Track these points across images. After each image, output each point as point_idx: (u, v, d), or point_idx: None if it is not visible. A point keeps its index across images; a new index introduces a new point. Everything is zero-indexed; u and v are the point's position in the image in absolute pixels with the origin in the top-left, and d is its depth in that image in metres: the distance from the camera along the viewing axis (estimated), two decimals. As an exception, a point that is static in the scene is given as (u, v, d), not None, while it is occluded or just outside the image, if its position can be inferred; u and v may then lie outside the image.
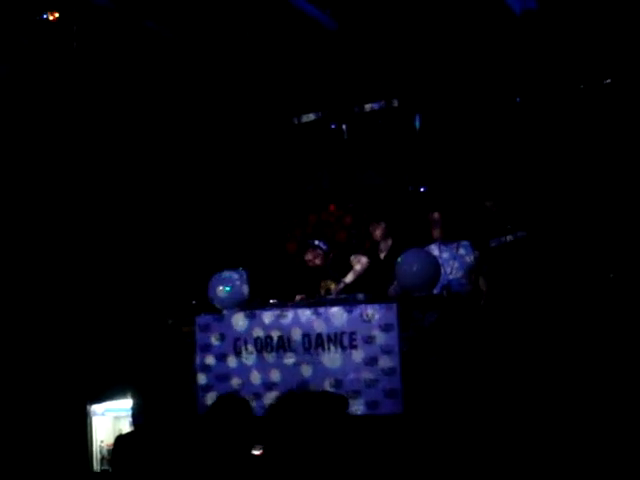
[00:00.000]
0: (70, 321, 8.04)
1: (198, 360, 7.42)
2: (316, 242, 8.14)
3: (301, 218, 9.10)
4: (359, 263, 7.95)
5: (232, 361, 7.34)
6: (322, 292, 7.91)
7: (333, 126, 9.21)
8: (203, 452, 5.23)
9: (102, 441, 7.21)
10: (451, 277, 7.57)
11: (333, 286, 7.99)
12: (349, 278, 7.94)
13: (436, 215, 7.81)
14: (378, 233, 8.21)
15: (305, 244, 8.25)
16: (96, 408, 7.41)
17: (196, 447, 5.35)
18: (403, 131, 9.02)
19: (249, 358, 7.29)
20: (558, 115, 8.28)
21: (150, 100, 8.74)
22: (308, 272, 8.11)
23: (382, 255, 8.21)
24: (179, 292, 7.99)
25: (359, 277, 7.91)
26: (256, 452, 5.15)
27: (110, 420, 7.41)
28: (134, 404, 7.29)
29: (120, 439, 5.53)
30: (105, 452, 7.06)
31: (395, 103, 8.88)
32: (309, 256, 8.14)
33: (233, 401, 5.39)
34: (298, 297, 7.83)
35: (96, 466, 7.26)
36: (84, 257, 8.37)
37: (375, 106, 9.01)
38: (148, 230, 8.69)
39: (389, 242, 8.20)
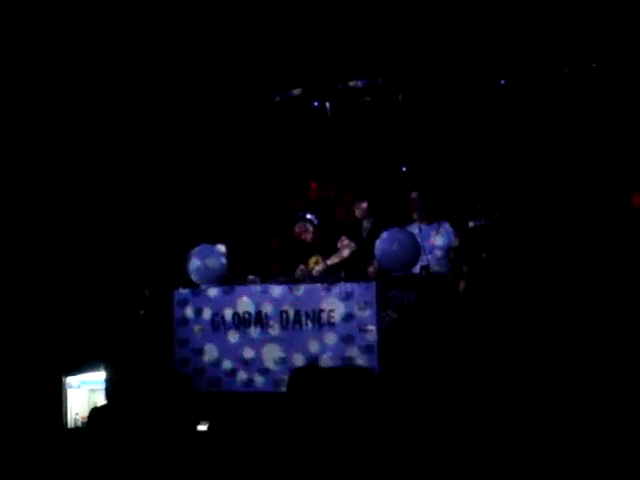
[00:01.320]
0: (46, 293, 8.03)
1: (175, 334, 7.41)
2: (307, 216, 8.12)
3: (285, 195, 9.11)
4: (347, 248, 7.93)
5: (209, 336, 7.34)
6: (310, 266, 7.89)
7: (316, 104, 9.19)
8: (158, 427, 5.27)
9: (77, 413, 7.14)
10: (430, 257, 7.59)
11: (321, 260, 7.95)
12: (333, 260, 7.91)
13: (416, 195, 7.81)
14: (360, 212, 8.20)
15: (295, 217, 8.23)
16: (71, 380, 7.27)
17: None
18: (387, 109, 9.02)
19: (226, 333, 7.30)
20: (541, 98, 8.29)
21: (134, 79, 8.76)
22: (295, 248, 8.11)
23: (364, 234, 8.21)
24: (157, 265, 7.99)
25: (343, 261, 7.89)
26: (202, 427, 5.29)
27: (85, 393, 7.28)
28: (107, 377, 7.07)
29: (94, 412, 5.66)
30: (80, 424, 7.01)
31: (379, 81, 8.87)
32: (298, 230, 8.08)
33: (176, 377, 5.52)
34: (300, 268, 7.78)
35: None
36: (60, 229, 8.34)
37: (359, 83, 9.00)
38: (127, 202, 8.68)
39: (371, 221, 8.20)
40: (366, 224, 8.18)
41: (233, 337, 7.29)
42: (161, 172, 8.89)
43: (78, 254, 8.25)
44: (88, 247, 8.32)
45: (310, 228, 8.10)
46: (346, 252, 7.91)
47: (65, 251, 8.25)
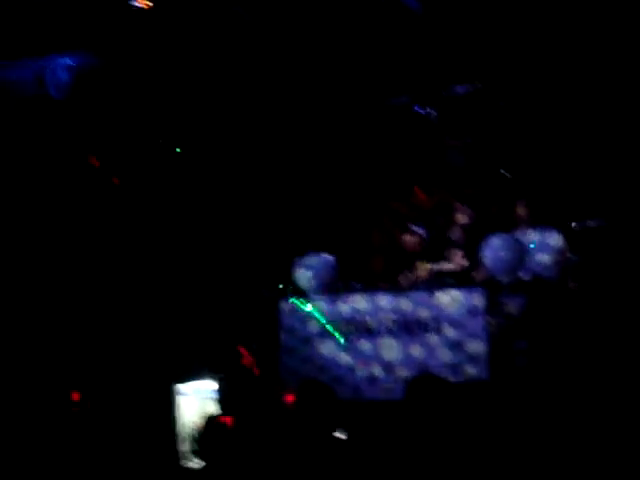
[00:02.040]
0: (159, 299, 8.17)
1: (283, 343, 7.47)
2: (414, 227, 8.04)
3: (387, 203, 9.08)
4: (460, 266, 7.79)
5: (317, 344, 7.38)
6: (418, 272, 7.84)
7: (421, 110, 9.10)
8: (289, 436, 5.34)
9: (189, 421, 7.31)
10: (538, 263, 7.39)
11: (429, 268, 7.87)
12: (442, 267, 7.81)
13: (522, 200, 7.71)
14: (463, 217, 8.10)
15: (402, 227, 8.15)
16: (183, 388, 7.49)
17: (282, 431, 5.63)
18: (490, 114, 8.94)
19: (334, 341, 7.31)
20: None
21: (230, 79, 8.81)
22: (399, 256, 8.07)
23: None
24: (265, 276, 8.02)
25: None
26: (340, 436, 5.26)
27: (197, 401, 7.47)
28: (219, 386, 7.40)
29: (210, 420, 5.63)
30: (192, 432, 7.16)
31: (480, 86, 8.81)
32: (407, 239, 8.02)
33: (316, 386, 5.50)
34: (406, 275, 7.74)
35: (182, 446, 7.34)
36: (175, 234, 8.50)
37: (461, 89, 8.92)
38: (238, 211, 8.78)
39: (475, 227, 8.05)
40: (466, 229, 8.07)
41: (340, 346, 7.30)
42: (269, 179, 8.94)
43: (188, 264, 8.36)
44: (198, 256, 8.42)
45: (417, 237, 7.99)
46: (456, 266, 7.81)
47: (176, 260, 8.38)
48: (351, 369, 7.23)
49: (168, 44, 8.52)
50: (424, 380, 5.25)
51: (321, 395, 5.30)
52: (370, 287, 7.49)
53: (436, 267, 7.85)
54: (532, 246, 7.36)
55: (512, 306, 6.84)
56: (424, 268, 7.86)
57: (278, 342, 7.47)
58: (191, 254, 8.39)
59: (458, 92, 8.93)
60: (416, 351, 7.05)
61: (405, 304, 7.13)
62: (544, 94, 8.66)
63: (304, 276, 7.52)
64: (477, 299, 6.89)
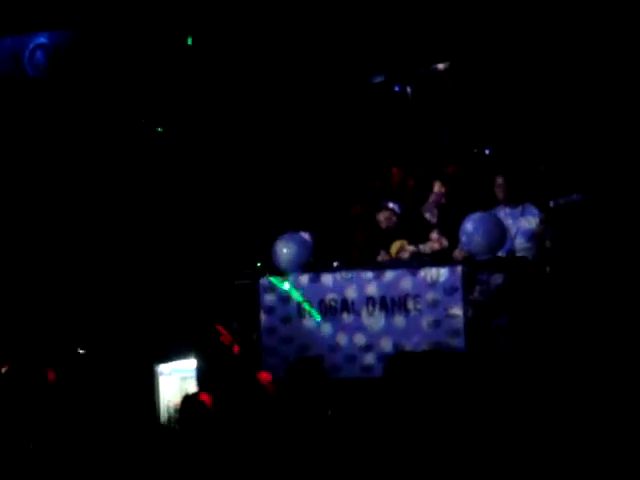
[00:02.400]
0: (138, 280, 8.20)
1: (263, 322, 7.49)
2: (390, 204, 8.06)
3: (366, 182, 9.02)
4: (438, 243, 7.82)
5: (296, 323, 7.41)
6: (393, 251, 7.85)
7: (397, 88, 9.15)
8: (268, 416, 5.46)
9: (169, 401, 7.33)
10: (516, 241, 7.48)
11: (407, 245, 7.86)
12: (422, 249, 7.79)
13: (500, 178, 7.72)
14: (439, 195, 8.16)
15: (376, 206, 8.18)
16: (163, 368, 7.48)
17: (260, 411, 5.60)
18: (467, 91, 8.98)
19: (313, 322, 7.36)
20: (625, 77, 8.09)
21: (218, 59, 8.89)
22: (376, 234, 8.09)
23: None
24: (243, 253, 8.05)
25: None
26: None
27: (177, 380, 7.48)
28: (198, 365, 7.44)
29: (187, 399, 5.79)
30: (172, 412, 7.17)
31: (459, 63, 8.84)
32: (381, 217, 8.05)
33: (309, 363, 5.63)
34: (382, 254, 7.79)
35: (163, 425, 7.29)
36: (152, 217, 8.48)
37: (440, 66, 8.95)
38: (214, 191, 8.79)
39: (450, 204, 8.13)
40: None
41: (319, 326, 7.33)
42: (246, 159, 8.92)
43: (167, 243, 8.39)
44: (176, 236, 8.44)
45: (393, 215, 8.02)
46: (436, 246, 7.82)
47: (155, 240, 8.38)
48: (331, 348, 7.24)
49: (147, 24, 8.64)
50: (402, 358, 5.32)
51: (313, 372, 5.43)
52: (349, 265, 7.49)
53: (415, 246, 7.83)
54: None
55: (491, 283, 6.86)
56: (403, 247, 7.86)
57: (257, 321, 7.47)
58: (169, 235, 8.39)
59: (436, 69, 8.93)
60: (396, 328, 7.08)
61: (385, 282, 7.15)
62: (525, 69, 8.66)
63: (282, 254, 7.52)
64: (455, 277, 6.93)
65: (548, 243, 7.44)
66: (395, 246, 7.91)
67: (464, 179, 8.35)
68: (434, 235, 7.85)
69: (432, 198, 8.18)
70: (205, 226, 8.57)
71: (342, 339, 7.27)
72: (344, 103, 9.14)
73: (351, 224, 8.20)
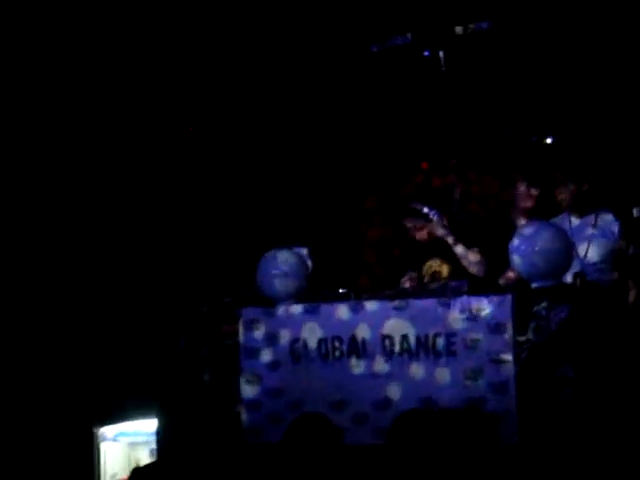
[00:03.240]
0: (75, 319, 7.97)
1: (243, 368, 6.94)
2: (425, 209, 7.57)
3: (382, 182, 8.66)
4: (476, 266, 7.38)
5: (288, 370, 6.84)
6: (427, 276, 7.47)
7: (426, 53, 8.69)
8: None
9: (114, 474, 6.97)
10: (587, 261, 7.03)
11: (445, 268, 7.48)
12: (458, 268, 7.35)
13: (565, 176, 7.21)
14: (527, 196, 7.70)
15: (405, 209, 7.71)
16: (106, 431, 7.12)
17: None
18: (518, 60, 8.45)
19: (310, 367, 6.78)
20: None
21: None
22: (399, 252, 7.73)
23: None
24: (218, 278, 7.75)
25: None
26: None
27: (124, 447, 7.12)
28: (159, 426, 6.95)
29: (137, 472, 5.56)
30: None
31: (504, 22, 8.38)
32: (410, 226, 7.58)
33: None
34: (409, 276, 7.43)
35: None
36: (92, 241, 8.37)
37: (483, 25, 8.44)
38: (177, 193, 8.61)
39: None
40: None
41: (319, 371, 6.76)
42: (224, 157, 8.78)
43: (116, 267, 8.16)
44: (130, 255, 8.21)
45: (427, 223, 7.54)
46: (474, 270, 7.39)
47: (99, 264, 8.18)
48: (335, 404, 6.62)
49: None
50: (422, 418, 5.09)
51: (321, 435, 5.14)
52: (360, 294, 6.97)
53: (446, 268, 7.45)
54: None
55: (552, 319, 6.23)
56: (437, 267, 7.46)
57: (236, 366, 6.94)
58: (118, 252, 8.22)
59: (480, 27, 8.46)
60: (422, 378, 6.50)
61: (408, 315, 6.59)
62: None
63: (270, 277, 7.02)
64: (503, 310, 6.34)
65: (630, 264, 6.83)
66: (427, 267, 7.51)
67: (516, 180, 7.80)
68: (472, 254, 7.40)
69: (521, 203, 7.64)
70: (168, 238, 8.29)
71: (349, 392, 6.66)
72: (352, 74, 8.76)
73: (363, 240, 7.63)
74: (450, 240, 7.50)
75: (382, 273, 7.75)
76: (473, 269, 7.39)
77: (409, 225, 7.70)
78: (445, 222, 7.63)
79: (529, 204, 7.64)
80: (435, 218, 7.63)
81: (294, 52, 8.87)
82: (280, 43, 8.85)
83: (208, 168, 8.82)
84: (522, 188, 7.68)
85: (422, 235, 7.65)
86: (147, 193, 8.66)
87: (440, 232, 7.56)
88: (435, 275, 7.49)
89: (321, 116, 8.94)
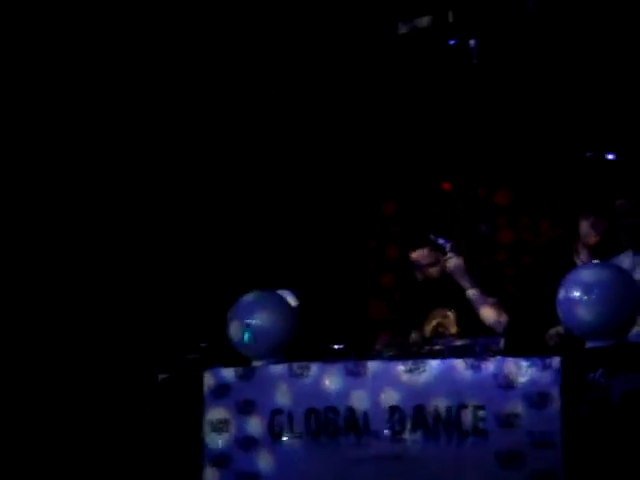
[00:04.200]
0: None
1: (208, 446, 6.69)
2: (440, 239, 7.44)
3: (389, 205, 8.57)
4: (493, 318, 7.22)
5: (266, 451, 6.55)
6: (430, 330, 7.26)
7: (452, 42, 8.57)
8: None
9: None
10: None
11: (452, 321, 7.28)
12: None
13: (630, 204, 7.04)
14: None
15: (415, 238, 7.58)
16: None
17: None
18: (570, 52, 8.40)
19: (296, 446, 6.52)
20: None
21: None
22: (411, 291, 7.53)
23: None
24: (178, 330, 7.68)
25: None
26: None
27: None
28: None
29: None
30: None
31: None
32: (420, 257, 7.39)
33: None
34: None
35: None
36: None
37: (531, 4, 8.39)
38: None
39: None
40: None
41: (306, 453, 6.50)
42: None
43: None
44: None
45: (440, 257, 7.42)
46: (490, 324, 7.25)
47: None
48: None
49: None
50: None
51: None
52: (359, 352, 6.70)
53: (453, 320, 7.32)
54: None
55: (613, 389, 5.88)
56: (443, 321, 7.32)
57: (199, 444, 6.72)
58: None
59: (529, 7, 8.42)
60: (441, 463, 6.18)
61: (422, 381, 6.27)
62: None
63: (243, 329, 6.78)
64: (548, 376, 5.99)
65: None
66: (433, 322, 7.36)
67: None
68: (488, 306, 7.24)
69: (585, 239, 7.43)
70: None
71: (347, 479, 6.41)
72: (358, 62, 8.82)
73: (364, 281, 7.30)
74: (466, 283, 7.38)
75: (391, 327, 7.56)
76: (489, 323, 7.23)
77: (418, 258, 7.56)
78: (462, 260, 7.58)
79: (593, 240, 7.41)
80: (452, 253, 7.50)
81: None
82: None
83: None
84: (586, 222, 7.47)
85: (432, 273, 7.50)
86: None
87: (456, 271, 7.42)
88: (439, 329, 7.33)
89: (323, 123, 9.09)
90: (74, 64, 9.34)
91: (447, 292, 7.51)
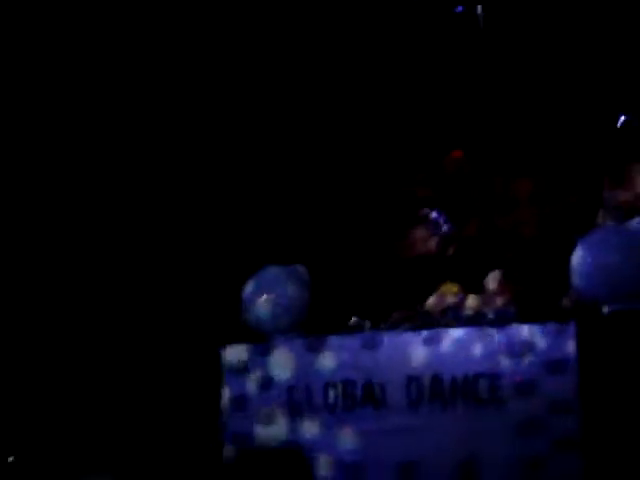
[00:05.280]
0: None
1: (228, 422, 6.69)
2: (433, 214, 7.49)
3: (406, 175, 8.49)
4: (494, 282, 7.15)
5: (284, 424, 6.56)
6: (439, 302, 7.13)
7: (459, 9, 8.55)
8: None
9: None
10: None
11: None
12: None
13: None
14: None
15: (412, 216, 7.69)
16: None
17: None
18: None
19: (315, 420, 6.52)
20: None
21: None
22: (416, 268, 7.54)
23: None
24: (192, 308, 7.67)
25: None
26: None
27: None
28: None
29: None
30: None
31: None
32: (418, 235, 7.53)
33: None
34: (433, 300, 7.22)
35: None
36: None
37: None
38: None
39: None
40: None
41: (326, 425, 6.50)
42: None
43: None
44: None
45: (437, 233, 7.58)
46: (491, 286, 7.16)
47: None
48: (346, 470, 6.37)
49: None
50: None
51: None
52: (376, 323, 6.72)
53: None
54: None
55: (631, 356, 5.93)
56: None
57: (219, 425, 6.74)
58: None
59: None
60: (460, 432, 6.22)
61: (439, 351, 6.34)
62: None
63: (261, 305, 6.77)
64: (564, 342, 6.05)
65: None
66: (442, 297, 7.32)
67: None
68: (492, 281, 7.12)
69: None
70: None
71: (365, 453, 6.41)
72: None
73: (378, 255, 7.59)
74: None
75: (404, 298, 7.35)
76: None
77: (415, 237, 7.72)
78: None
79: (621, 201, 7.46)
80: (445, 228, 7.66)
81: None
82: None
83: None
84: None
85: (428, 247, 7.65)
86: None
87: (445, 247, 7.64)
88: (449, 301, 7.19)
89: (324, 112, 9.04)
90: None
91: (452, 265, 7.57)
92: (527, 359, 6.15)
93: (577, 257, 6.34)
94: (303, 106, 9.43)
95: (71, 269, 9.11)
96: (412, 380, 6.36)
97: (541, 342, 6.12)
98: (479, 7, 8.93)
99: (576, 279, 6.36)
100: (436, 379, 6.31)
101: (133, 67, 9.44)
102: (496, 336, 6.22)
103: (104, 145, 9.46)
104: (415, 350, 6.39)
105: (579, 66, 8.85)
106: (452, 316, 6.79)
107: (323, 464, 6.52)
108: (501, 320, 6.35)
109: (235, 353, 6.80)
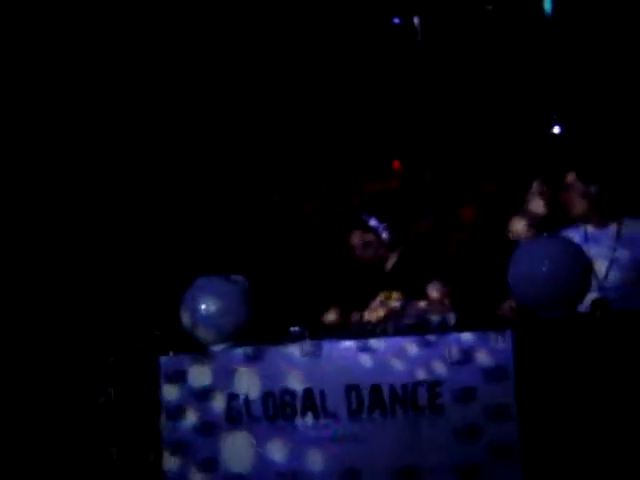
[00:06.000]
0: None
1: (165, 433, 6.64)
2: (372, 221, 7.43)
3: (344, 188, 8.57)
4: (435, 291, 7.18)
5: (223, 435, 6.52)
6: (378, 311, 7.15)
7: (397, 20, 8.50)
8: None
9: None
10: (608, 283, 6.82)
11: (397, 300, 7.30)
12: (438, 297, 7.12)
13: (575, 177, 7.06)
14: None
15: (353, 221, 7.61)
16: None
17: None
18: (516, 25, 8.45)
19: (254, 430, 6.47)
20: None
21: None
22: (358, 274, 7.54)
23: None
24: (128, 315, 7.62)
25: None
26: None
27: None
28: None
29: None
30: None
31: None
32: (357, 241, 7.44)
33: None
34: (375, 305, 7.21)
35: None
36: None
37: None
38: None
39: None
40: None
41: (264, 436, 6.47)
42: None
43: None
44: None
45: (377, 240, 7.45)
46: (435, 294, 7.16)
47: None
48: (282, 476, 6.31)
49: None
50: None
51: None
52: (315, 332, 6.68)
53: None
54: None
55: (566, 361, 5.97)
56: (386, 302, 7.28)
57: (156, 430, 6.68)
58: None
59: None
60: (399, 441, 6.19)
61: (378, 359, 6.30)
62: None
63: (200, 313, 6.72)
64: (503, 349, 6.05)
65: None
66: (382, 304, 7.26)
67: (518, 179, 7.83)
68: (433, 290, 7.15)
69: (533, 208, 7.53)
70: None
71: (304, 463, 6.35)
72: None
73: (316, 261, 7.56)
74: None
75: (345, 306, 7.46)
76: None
77: (355, 242, 7.59)
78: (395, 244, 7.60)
79: (541, 211, 7.50)
80: (384, 235, 7.55)
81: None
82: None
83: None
84: (536, 187, 7.55)
85: (367, 254, 7.56)
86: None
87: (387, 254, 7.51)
88: (387, 310, 7.17)
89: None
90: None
91: (391, 273, 7.56)
92: (466, 366, 6.12)
93: (517, 263, 6.35)
94: (239, 113, 9.28)
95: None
96: (352, 389, 6.32)
97: (481, 348, 6.09)
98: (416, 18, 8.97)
99: (513, 287, 6.38)
100: (376, 387, 6.29)
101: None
102: (436, 344, 6.19)
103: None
104: (355, 359, 6.35)
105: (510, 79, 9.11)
106: (392, 324, 6.72)
107: (262, 474, 6.43)
108: (441, 328, 6.33)
109: (173, 362, 6.72)
